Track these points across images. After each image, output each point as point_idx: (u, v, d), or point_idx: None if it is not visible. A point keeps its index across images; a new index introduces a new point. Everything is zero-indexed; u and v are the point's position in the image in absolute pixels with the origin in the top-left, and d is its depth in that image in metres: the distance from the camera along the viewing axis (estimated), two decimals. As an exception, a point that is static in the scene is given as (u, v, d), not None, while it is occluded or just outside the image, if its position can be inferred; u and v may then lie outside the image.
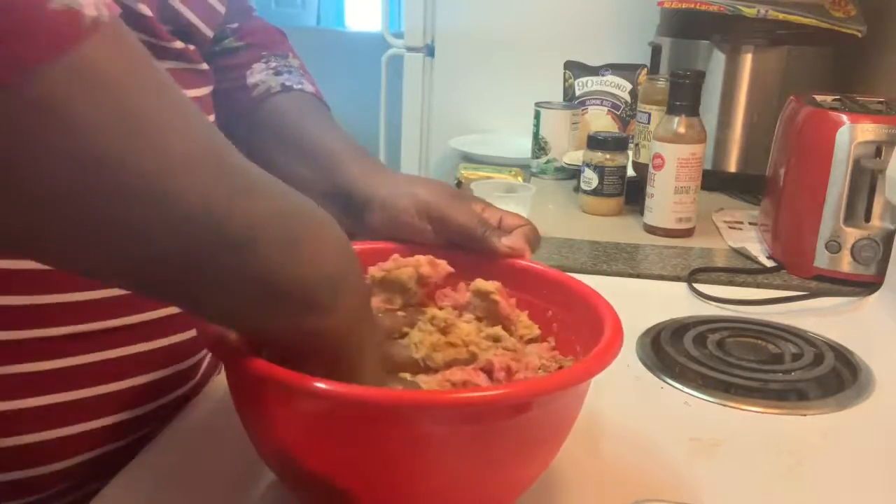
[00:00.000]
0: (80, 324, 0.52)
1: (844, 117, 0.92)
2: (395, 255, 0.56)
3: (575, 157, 1.37)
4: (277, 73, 0.72)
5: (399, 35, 1.93)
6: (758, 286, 0.93)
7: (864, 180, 0.91)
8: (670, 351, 0.74)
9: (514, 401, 0.41)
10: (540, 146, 1.45)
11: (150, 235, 0.33)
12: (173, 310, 0.57)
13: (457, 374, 0.49)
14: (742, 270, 0.97)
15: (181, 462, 0.54)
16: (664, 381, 0.70)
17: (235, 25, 0.74)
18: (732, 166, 1.35)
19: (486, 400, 0.41)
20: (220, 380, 0.65)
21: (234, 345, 0.42)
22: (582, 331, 0.52)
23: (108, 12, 0.30)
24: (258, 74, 0.72)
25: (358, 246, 0.56)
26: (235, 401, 0.46)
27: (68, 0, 0.28)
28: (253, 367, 0.40)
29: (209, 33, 0.62)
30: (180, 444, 0.56)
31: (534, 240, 0.61)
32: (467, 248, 0.58)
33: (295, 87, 0.72)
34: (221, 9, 0.64)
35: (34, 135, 0.29)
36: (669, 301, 0.88)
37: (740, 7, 1.26)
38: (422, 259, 0.55)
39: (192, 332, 0.60)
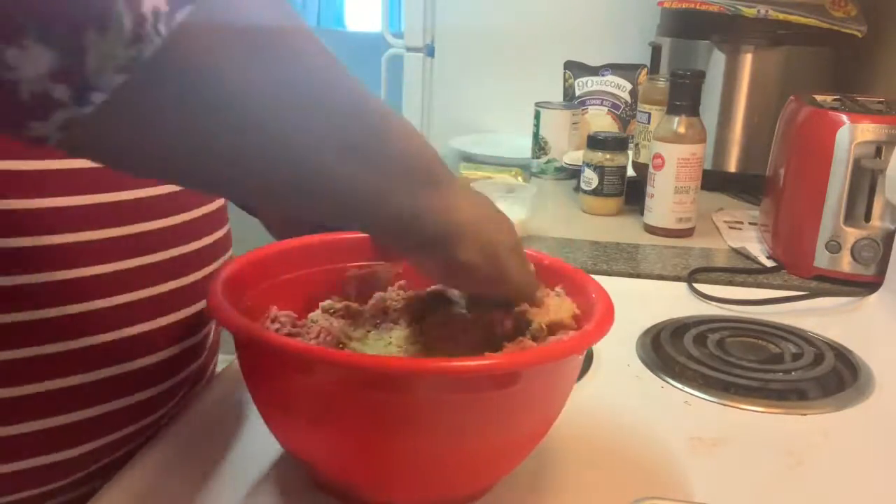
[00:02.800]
0: (84, 302, 0.52)
1: (844, 117, 0.92)
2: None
3: (575, 157, 1.37)
4: None
5: (399, 35, 1.93)
6: (758, 286, 0.93)
7: (864, 180, 0.91)
8: (670, 350, 0.74)
9: (501, 370, 0.43)
10: (540, 146, 1.45)
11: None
12: (178, 283, 0.57)
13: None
14: (742, 270, 0.97)
15: (183, 457, 0.54)
16: (664, 380, 0.70)
17: None
18: (732, 166, 1.35)
19: (475, 369, 0.42)
20: (220, 375, 0.65)
21: (240, 317, 0.44)
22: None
23: None
24: None
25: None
26: (244, 372, 0.48)
27: None
28: (255, 336, 0.43)
29: None
30: (182, 438, 0.56)
31: None
32: None
33: None
34: None
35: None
36: (669, 301, 0.88)
37: (740, 7, 1.26)
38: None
39: (198, 306, 0.60)
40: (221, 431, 0.58)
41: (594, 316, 0.49)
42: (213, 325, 0.65)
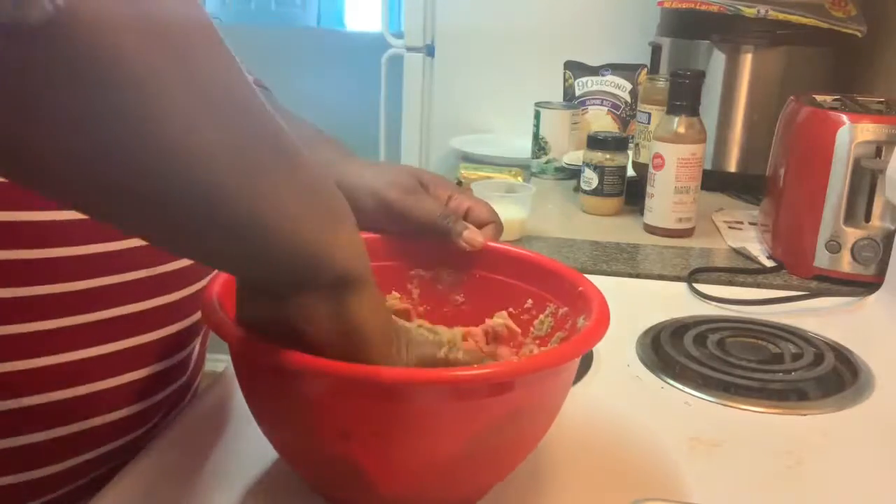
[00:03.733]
0: (78, 315, 0.52)
1: (844, 117, 0.92)
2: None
3: (575, 157, 1.37)
4: None
5: (399, 35, 1.93)
6: (758, 286, 0.93)
7: (864, 180, 0.91)
8: (670, 351, 0.74)
9: (496, 379, 0.43)
10: (540, 146, 1.45)
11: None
12: (166, 300, 0.57)
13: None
14: (742, 270, 0.97)
15: (180, 462, 0.54)
16: (664, 380, 0.70)
17: None
18: (732, 166, 1.35)
19: (470, 378, 0.42)
20: (214, 379, 0.65)
21: (238, 328, 0.44)
22: (571, 317, 0.54)
23: None
24: None
25: None
26: (240, 381, 0.48)
27: None
28: (254, 346, 0.42)
29: None
30: (179, 444, 0.56)
31: (497, 236, 0.62)
32: (431, 238, 0.59)
33: None
34: None
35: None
36: (669, 301, 0.88)
37: (740, 7, 1.26)
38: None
39: (184, 323, 0.60)
40: (218, 436, 0.58)
41: (589, 320, 0.49)
42: (196, 344, 0.65)
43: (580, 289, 0.53)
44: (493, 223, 0.62)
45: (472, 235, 0.58)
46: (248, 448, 0.55)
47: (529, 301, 0.57)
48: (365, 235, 0.52)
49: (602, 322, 0.48)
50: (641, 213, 1.14)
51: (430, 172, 0.65)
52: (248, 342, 0.43)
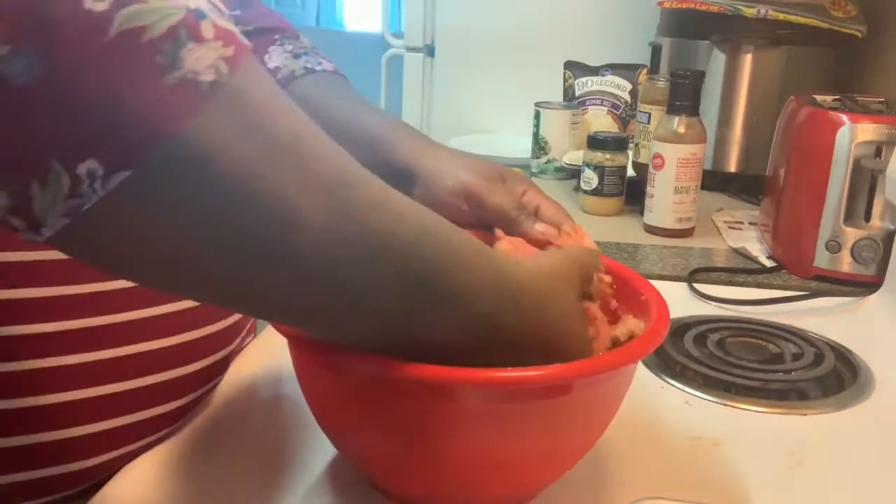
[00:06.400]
0: (106, 315, 0.52)
1: (844, 117, 0.92)
2: None
3: (575, 157, 1.37)
4: (296, 56, 0.73)
5: (399, 35, 1.93)
6: (758, 286, 0.93)
7: (864, 180, 0.91)
8: (670, 350, 0.74)
9: (552, 381, 0.42)
10: (540, 146, 1.45)
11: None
12: (194, 335, 0.58)
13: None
14: (742, 270, 0.97)
15: (191, 458, 0.54)
16: (664, 380, 0.70)
17: (238, 13, 0.74)
18: (732, 166, 1.35)
19: (523, 379, 0.41)
20: (230, 379, 0.65)
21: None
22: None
23: (228, 69, 0.29)
24: (277, 58, 0.72)
25: None
26: (300, 379, 0.48)
27: (183, 71, 0.28)
28: (313, 348, 0.42)
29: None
30: (193, 439, 0.56)
31: None
32: (504, 229, 0.60)
33: (317, 68, 0.73)
34: None
35: (157, 214, 0.30)
36: (669, 301, 0.87)
37: (740, 7, 1.26)
38: None
39: (217, 327, 0.60)
40: (235, 433, 0.58)
41: (649, 323, 0.49)
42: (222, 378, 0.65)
43: (644, 297, 0.53)
44: (565, 221, 0.63)
45: (546, 229, 0.60)
46: (310, 445, 0.55)
47: None
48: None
49: (662, 323, 0.48)
50: (641, 213, 1.14)
51: (511, 170, 0.67)
52: (305, 342, 0.43)
